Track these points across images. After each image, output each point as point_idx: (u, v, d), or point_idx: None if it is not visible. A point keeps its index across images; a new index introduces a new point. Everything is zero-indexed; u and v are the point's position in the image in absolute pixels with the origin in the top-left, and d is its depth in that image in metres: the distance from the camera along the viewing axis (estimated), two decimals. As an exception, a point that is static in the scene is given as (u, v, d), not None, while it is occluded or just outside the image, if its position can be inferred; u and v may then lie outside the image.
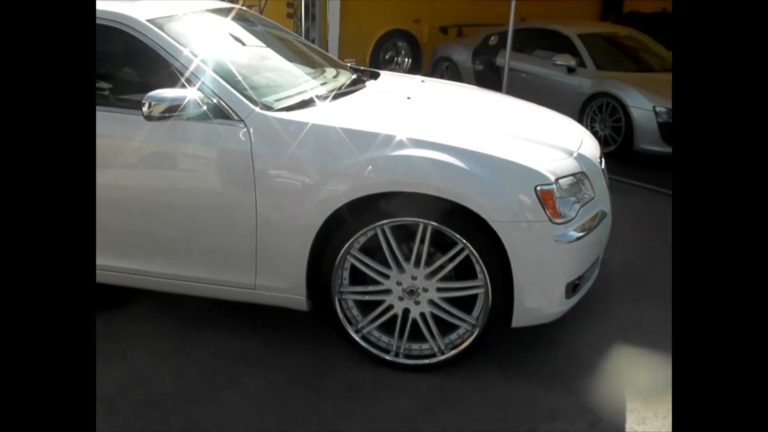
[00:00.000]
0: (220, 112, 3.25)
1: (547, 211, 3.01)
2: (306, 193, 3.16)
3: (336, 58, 8.47)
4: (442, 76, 9.30)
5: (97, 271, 3.58)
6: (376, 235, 3.16)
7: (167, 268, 3.47)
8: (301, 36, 9.10)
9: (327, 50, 8.87)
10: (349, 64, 4.70)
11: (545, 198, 3.01)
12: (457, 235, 3.05)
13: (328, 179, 3.13)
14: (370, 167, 3.07)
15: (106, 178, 3.43)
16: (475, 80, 8.64)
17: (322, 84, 3.91)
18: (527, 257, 3.03)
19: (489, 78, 8.44)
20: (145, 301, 3.88)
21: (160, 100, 3.13)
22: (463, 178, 3.01)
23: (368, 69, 4.71)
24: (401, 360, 3.30)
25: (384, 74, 4.48)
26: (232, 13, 4.31)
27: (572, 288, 3.20)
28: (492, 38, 8.81)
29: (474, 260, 3.09)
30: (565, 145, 3.40)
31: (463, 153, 3.05)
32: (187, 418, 2.98)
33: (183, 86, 3.28)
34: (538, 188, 3.01)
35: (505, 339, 3.51)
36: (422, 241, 3.11)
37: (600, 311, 3.90)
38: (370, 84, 4.09)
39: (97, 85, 3.65)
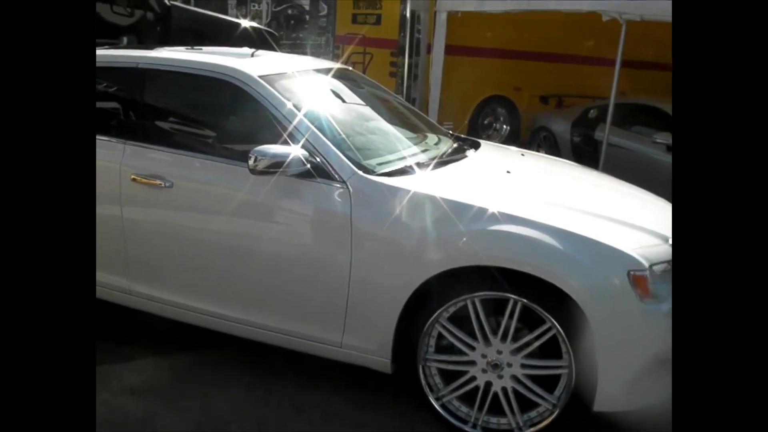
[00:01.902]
0: (322, 172, 3.36)
1: (639, 296, 2.98)
2: (401, 259, 3.22)
3: (435, 120, 8.64)
4: (539, 146, 9.31)
5: (186, 312, 3.77)
6: (465, 305, 3.19)
7: (257, 317, 3.58)
8: (402, 95, 9.29)
9: (427, 111, 9.01)
10: (450, 131, 4.78)
11: (638, 283, 2.98)
12: (546, 314, 3.05)
13: (425, 247, 3.19)
14: (465, 239, 3.11)
15: (206, 223, 3.63)
16: (572, 152, 8.61)
17: (424, 151, 3.99)
18: (615, 342, 2.99)
19: (586, 151, 8.40)
20: (234, 347, 3.95)
21: (266, 155, 3.27)
22: (555, 258, 3.02)
23: (469, 138, 4.78)
24: (478, 432, 3.29)
25: (484, 145, 4.53)
26: (339, 73, 4.45)
27: (660, 377, 3.14)
28: (592, 111, 8.80)
29: (560, 340, 3.08)
30: (662, 231, 3.37)
31: (559, 233, 3.07)
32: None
33: (288, 143, 3.42)
34: (631, 273, 2.99)
35: (585, 423, 3.45)
36: (511, 316, 3.12)
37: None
38: (471, 154, 4.14)
39: (206, 133, 3.85)
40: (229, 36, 8.43)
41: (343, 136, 3.59)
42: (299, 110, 3.54)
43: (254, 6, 23.18)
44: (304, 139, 3.43)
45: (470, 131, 9.83)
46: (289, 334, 3.53)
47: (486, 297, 3.15)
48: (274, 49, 7.18)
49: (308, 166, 3.33)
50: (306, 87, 3.98)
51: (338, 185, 3.34)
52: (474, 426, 3.29)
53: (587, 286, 2.99)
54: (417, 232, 3.21)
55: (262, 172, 3.29)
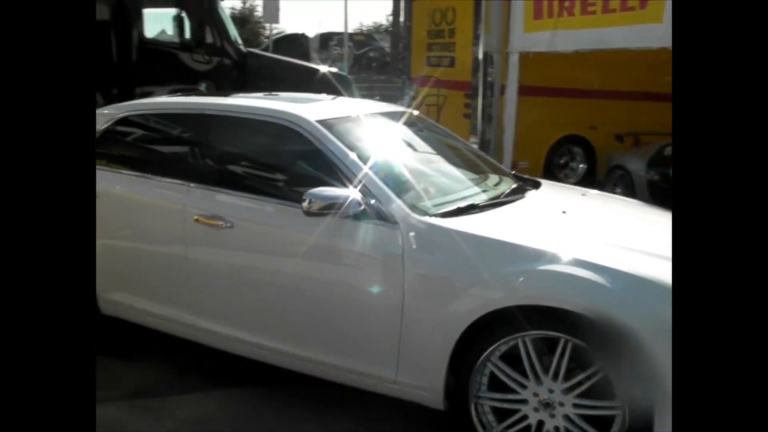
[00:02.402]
0: (376, 213, 3.44)
1: None
2: (453, 298, 3.26)
3: (510, 160, 8.63)
4: (615, 185, 9.18)
5: (246, 346, 3.91)
6: (516, 344, 3.18)
7: (315, 353, 3.68)
8: (477, 135, 9.33)
9: (501, 152, 9.01)
10: (513, 172, 4.80)
11: None
12: (598, 354, 3.02)
13: (475, 287, 3.22)
14: (520, 279, 3.13)
15: (264, 263, 3.80)
16: (648, 191, 8.46)
17: (483, 191, 4.04)
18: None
19: (663, 189, 8.25)
20: (300, 383, 3.99)
21: (320, 197, 3.39)
22: (608, 298, 3.00)
23: (530, 178, 4.79)
24: (531, 472, 3.25)
25: (545, 185, 4.54)
26: (400, 117, 4.54)
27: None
28: (668, 149, 8.64)
29: (613, 380, 3.03)
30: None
31: (611, 273, 3.05)
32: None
33: (344, 185, 3.52)
34: None
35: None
36: (562, 355, 3.10)
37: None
38: (530, 195, 4.17)
39: (265, 176, 4.06)
40: (304, 81, 8.68)
41: (398, 178, 3.68)
42: (355, 153, 3.65)
43: (336, 49, 23.76)
44: (358, 182, 3.53)
45: (546, 171, 9.75)
46: (346, 370, 3.60)
47: (537, 336, 3.14)
48: (341, 94, 7.33)
49: (362, 207, 3.43)
50: (364, 131, 4.10)
51: (391, 226, 3.41)
52: (528, 465, 3.26)
53: (643, 326, 2.93)
54: (468, 272, 3.25)
55: (316, 214, 3.40)
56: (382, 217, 3.44)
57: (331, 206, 3.39)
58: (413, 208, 3.47)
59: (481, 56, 9.14)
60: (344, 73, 10.55)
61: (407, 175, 3.80)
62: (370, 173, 3.56)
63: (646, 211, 4.59)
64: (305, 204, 3.39)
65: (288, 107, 3.96)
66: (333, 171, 3.63)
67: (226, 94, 4.78)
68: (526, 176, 4.86)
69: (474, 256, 3.27)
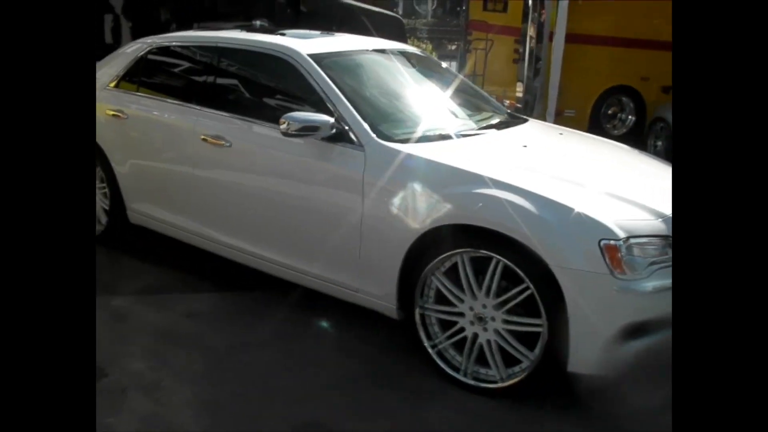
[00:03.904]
0: (347, 137, 3.83)
1: (609, 266, 3.13)
2: (403, 216, 3.61)
3: (554, 107, 8.72)
4: (656, 138, 9.18)
5: (241, 254, 4.39)
6: (456, 261, 3.50)
7: (292, 261, 4.14)
8: (523, 81, 9.46)
9: (547, 99, 9.12)
10: (507, 110, 5.05)
11: (609, 253, 3.15)
12: (522, 274, 3.30)
13: (421, 206, 3.57)
14: (454, 201, 3.47)
15: (255, 178, 4.29)
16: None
17: (461, 125, 4.36)
18: (585, 306, 3.17)
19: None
20: (298, 291, 4.39)
21: (297, 120, 3.79)
22: (531, 222, 3.27)
23: (521, 117, 5.04)
24: (468, 380, 3.57)
25: (530, 122, 4.82)
26: (398, 54, 4.89)
27: (632, 346, 3.24)
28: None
29: (538, 300, 3.30)
30: (659, 208, 3.41)
31: (537, 199, 3.31)
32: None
33: (324, 112, 3.91)
34: (602, 242, 3.15)
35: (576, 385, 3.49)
36: (493, 273, 3.41)
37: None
38: (507, 130, 4.46)
39: (261, 101, 4.54)
40: (355, 21, 8.91)
41: (371, 108, 4.07)
42: (336, 84, 4.04)
43: (422, -8, 23.81)
44: (335, 109, 3.93)
45: (592, 121, 9.76)
46: (317, 277, 4.05)
47: (473, 254, 3.45)
48: (372, 34, 7.53)
49: (333, 131, 3.81)
50: (355, 66, 4.51)
51: (358, 148, 3.79)
52: (465, 374, 3.59)
53: (559, 252, 3.21)
54: (416, 192, 3.60)
55: (293, 135, 3.81)
56: (351, 140, 3.82)
57: (305, 128, 3.79)
58: (379, 134, 3.82)
59: (530, 2, 9.24)
60: (397, 15, 10.72)
61: (382, 106, 4.19)
62: (346, 102, 3.94)
63: (619, 151, 4.76)
64: (283, 126, 3.79)
65: (285, 41, 4.40)
66: (317, 99, 4.03)
67: (274, 31, 5.15)
68: (519, 115, 5.11)
69: (420, 178, 3.61)
